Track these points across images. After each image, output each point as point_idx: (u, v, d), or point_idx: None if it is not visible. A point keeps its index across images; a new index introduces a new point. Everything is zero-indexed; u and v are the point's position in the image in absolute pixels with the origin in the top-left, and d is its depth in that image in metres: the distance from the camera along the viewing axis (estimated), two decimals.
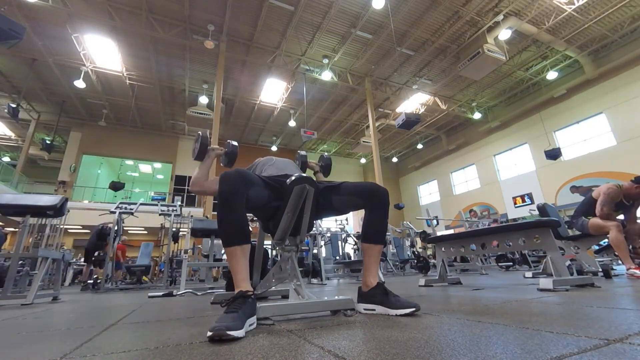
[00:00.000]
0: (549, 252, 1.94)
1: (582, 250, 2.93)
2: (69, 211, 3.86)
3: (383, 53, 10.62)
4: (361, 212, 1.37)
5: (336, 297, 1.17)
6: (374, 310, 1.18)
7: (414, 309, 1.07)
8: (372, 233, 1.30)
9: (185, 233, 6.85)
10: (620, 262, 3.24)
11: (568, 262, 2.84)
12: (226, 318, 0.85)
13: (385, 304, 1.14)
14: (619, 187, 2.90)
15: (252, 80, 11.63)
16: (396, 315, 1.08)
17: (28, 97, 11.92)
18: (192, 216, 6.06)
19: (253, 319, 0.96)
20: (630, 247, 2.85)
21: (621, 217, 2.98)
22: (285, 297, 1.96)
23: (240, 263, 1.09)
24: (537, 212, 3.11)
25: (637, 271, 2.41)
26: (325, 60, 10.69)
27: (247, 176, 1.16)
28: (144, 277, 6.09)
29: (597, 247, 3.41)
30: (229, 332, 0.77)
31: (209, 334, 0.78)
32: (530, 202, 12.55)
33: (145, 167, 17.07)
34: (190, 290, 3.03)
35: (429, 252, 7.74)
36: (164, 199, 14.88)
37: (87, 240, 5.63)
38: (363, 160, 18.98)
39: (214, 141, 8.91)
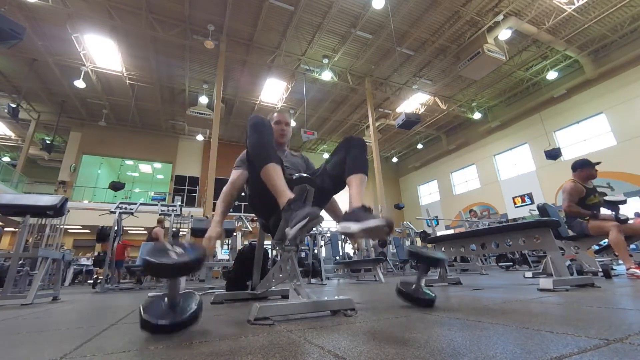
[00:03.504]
0: (549, 252, 1.94)
1: (582, 250, 2.93)
2: (69, 211, 3.86)
3: (383, 53, 10.62)
4: None
5: (336, 297, 1.17)
6: (349, 228, 1.04)
7: (383, 224, 0.96)
8: (352, 164, 1.32)
9: (185, 233, 6.85)
10: (620, 262, 3.24)
11: (568, 262, 2.83)
12: (301, 207, 1.01)
13: (360, 219, 1.02)
14: (574, 181, 2.98)
15: (252, 80, 11.62)
16: (360, 229, 0.99)
17: (28, 97, 11.91)
18: (192, 216, 6.06)
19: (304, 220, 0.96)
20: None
21: (608, 212, 3.00)
22: (285, 297, 1.96)
23: (275, 177, 1.13)
24: (537, 212, 3.11)
25: (637, 271, 2.41)
26: (325, 60, 10.68)
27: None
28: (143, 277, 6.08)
29: (597, 247, 3.42)
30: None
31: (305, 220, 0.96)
32: (530, 202, 12.55)
33: (145, 167, 17.06)
34: (190, 291, 3.02)
35: None
36: (164, 199, 14.87)
37: (87, 240, 5.63)
38: None
39: (214, 141, 8.92)
